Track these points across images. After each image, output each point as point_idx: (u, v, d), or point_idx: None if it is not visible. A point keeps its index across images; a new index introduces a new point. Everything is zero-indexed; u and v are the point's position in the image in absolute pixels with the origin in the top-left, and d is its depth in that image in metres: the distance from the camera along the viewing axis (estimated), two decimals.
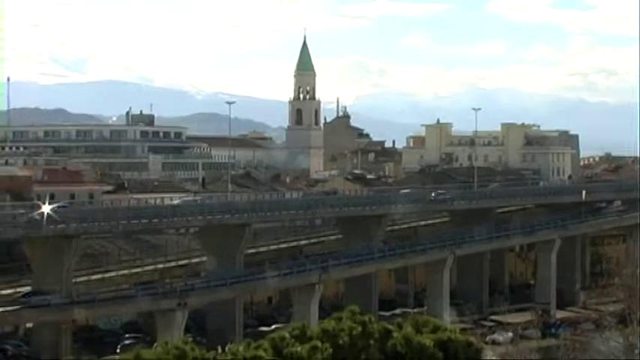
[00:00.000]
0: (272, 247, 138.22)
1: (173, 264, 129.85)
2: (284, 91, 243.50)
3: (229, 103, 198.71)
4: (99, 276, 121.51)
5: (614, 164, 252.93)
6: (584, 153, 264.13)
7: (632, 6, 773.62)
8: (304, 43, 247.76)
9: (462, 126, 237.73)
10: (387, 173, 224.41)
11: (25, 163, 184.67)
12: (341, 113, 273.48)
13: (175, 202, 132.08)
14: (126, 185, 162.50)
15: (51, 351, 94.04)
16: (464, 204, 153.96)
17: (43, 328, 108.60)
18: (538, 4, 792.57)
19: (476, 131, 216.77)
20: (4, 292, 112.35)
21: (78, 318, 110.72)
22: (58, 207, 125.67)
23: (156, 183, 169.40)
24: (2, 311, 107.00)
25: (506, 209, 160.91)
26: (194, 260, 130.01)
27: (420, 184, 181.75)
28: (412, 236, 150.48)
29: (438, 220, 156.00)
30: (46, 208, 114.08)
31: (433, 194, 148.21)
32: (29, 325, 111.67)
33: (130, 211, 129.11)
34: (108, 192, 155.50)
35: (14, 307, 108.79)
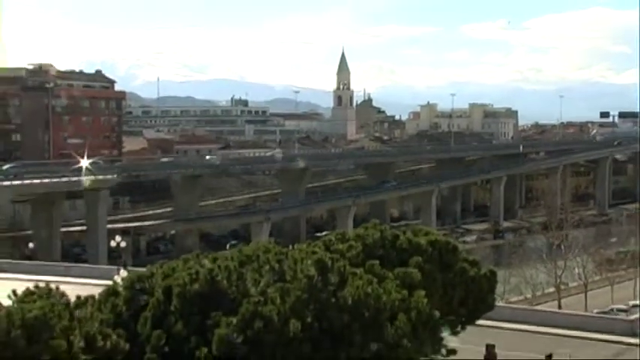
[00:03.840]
0: (323, 183, 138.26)
1: (261, 194, 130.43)
2: (330, 83, 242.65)
3: (296, 91, 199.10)
4: (215, 201, 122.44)
5: (541, 129, 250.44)
6: (521, 122, 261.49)
7: (552, 28, 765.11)
8: (342, 54, 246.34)
9: (444, 105, 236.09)
10: (395, 136, 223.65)
11: (168, 130, 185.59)
12: (366, 98, 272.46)
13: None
14: (231, 144, 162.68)
15: (186, 248, 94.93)
16: (445, 154, 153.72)
17: (181, 233, 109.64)
18: (493, 27, 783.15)
19: (452, 109, 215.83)
20: (159, 210, 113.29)
21: (202, 227, 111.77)
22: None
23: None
24: (155, 223, 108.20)
25: (472, 158, 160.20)
26: (274, 191, 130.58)
27: (416, 143, 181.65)
28: (411, 176, 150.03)
29: (428, 165, 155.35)
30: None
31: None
32: (173, 232, 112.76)
33: (234, 160, 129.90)
34: (220, 148, 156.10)
35: (162, 221, 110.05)
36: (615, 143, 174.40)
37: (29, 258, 75.62)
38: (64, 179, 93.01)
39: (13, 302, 19.26)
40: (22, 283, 22.32)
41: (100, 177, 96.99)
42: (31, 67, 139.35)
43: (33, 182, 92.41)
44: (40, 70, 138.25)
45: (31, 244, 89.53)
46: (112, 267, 56.86)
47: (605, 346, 43.37)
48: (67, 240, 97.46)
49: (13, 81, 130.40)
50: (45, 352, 17.57)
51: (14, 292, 19.81)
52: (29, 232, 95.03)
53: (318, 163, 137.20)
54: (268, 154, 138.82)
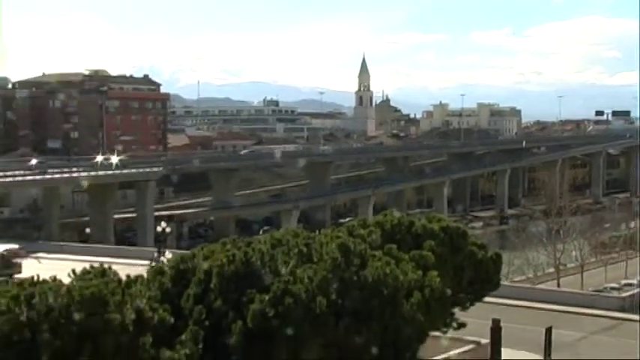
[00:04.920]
0: (346, 175, 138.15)
1: (290, 185, 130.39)
2: (352, 85, 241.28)
3: (321, 93, 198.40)
4: (249, 191, 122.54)
5: (542, 126, 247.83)
6: (524, 120, 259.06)
7: (551, 35, 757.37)
8: (363, 59, 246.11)
9: (454, 105, 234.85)
10: (411, 133, 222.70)
11: (207, 128, 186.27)
12: (384, 98, 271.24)
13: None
14: (263, 140, 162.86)
15: (224, 233, 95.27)
16: (456, 149, 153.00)
17: (219, 219, 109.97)
18: (499, 34, 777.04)
19: (462, 108, 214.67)
20: (200, 199, 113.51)
21: (238, 214, 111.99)
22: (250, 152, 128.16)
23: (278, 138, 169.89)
24: (196, 211, 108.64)
25: (480, 152, 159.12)
26: (301, 183, 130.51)
27: (430, 139, 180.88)
28: (426, 168, 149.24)
29: (440, 159, 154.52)
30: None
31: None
32: (212, 218, 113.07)
33: (264, 154, 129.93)
34: (254, 144, 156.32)
35: (202, 209, 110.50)
36: (628, 136, 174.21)
37: (86, 241, 76.36)
38: (115, 172, 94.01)
39: (72, 280, 19.46)
40: (79, 263, 22.55)
41: (147, 170, 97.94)
42: (87, 72, 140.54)
43: (90, 174, 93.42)
44: (95, 75, 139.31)
45: (87, 229, 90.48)
46: (154, 250, 57.37)
47: (600, 320, 43.17)
48: (119, 225, 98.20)
49: (71, 85, 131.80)
50: (100, 324, 17.78)
51: (73, 271, 20.01)
52: (86, 218, 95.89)
53: (342, 157, 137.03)
54: (249, 151, 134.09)
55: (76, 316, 17.53)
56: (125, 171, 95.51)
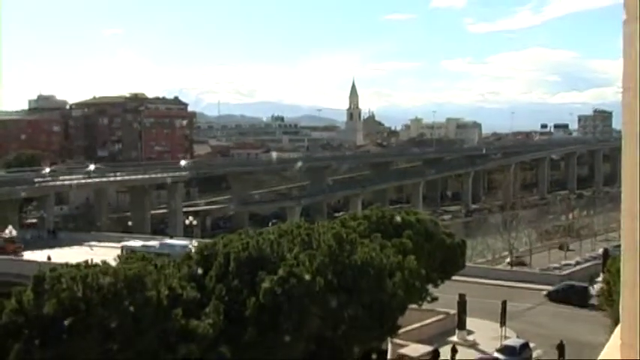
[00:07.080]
0: (339, 177, 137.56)
1: (295, 185, 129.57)
2: (344, 104, 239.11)
3: (319, 110, 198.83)
4: (261, 191, 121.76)
5: (498, 137, 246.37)
6: (483, 131, 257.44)
7: (505, 63, 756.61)
8: (353, 82, 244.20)
9: (428, 119, 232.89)
10: (392, 142, 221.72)
11: (226, 140, 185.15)
12: (370, 114, 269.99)
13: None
14: (271, 149, 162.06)
15: (240, 225, 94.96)
16: (429, 155, 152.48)
17: (236, 213, 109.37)
18: (463, 62, 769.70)
19: (434, 122, 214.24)
20: (220, 197, 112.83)
21: (252, 209, 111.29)
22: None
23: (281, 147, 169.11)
24: (217, 207, 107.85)
25: (448, 158, 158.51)
26: (304, 183, 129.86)
27: (407, 147, 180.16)
28: (405, 171, 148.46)
29: (416, 164, 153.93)
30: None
31: None
32: (230, 213, 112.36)
33: (270, 161, 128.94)
34: (263, 152, 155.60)
35: (222, 205, 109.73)
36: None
37: (128, 232, 76.09)
38: (151, 176, 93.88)
39: (118, 263, 19.48)
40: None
41: (176, 174, 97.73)
42: (128, 95, 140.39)
43: (130, 178, 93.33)
44: (135, 97, 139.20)
45: (129, 223, 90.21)
46: (185, 239, 57.16)
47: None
48: (154, 219, 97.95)
49: (116, 105, 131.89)
50: (141, 300, 17.81)
51: (119, 256, 20.03)
52: (128, 214, 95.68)
53: (336, 161, 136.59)
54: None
55: (122, 293, 17.59)
56: (159, 175, 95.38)
